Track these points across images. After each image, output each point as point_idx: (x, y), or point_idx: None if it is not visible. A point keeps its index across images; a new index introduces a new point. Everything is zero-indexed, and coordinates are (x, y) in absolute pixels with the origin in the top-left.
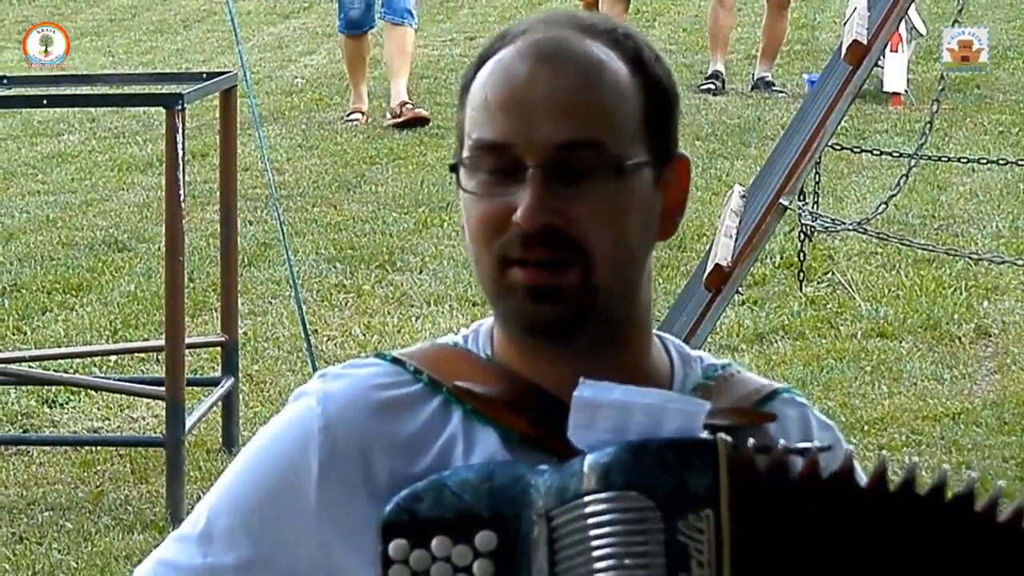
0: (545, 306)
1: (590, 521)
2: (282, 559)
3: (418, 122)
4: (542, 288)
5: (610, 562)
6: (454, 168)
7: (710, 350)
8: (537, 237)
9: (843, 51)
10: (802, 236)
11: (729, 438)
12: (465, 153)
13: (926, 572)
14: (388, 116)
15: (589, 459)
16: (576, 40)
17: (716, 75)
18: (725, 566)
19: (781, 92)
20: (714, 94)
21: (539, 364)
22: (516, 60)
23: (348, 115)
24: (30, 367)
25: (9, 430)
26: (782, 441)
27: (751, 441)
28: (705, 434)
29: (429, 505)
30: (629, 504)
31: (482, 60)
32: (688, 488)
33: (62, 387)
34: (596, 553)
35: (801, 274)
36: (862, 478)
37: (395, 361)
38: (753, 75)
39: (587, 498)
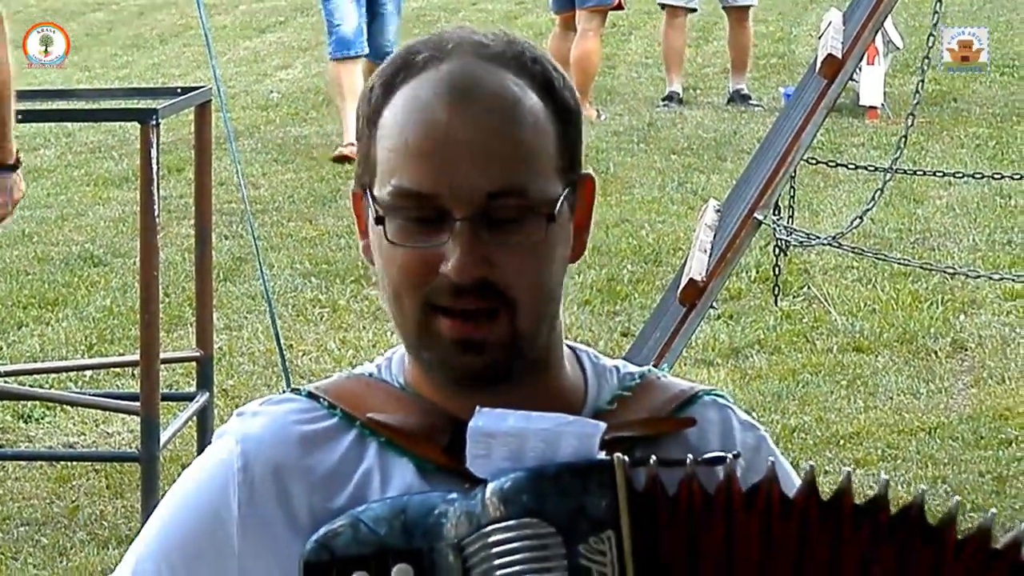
0: (471, 357)
1: (494, 550)
2: None
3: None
4: (468, 340)
5: None
6: (379, 221)
7: (685, 365)
8: (467, 288)
9: (818, 65)
10: (777, 250)
11: (625, 457)
12: (385, 198)
13: None
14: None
15: (490, 488)
16: (489, 75)
17: (672, 96)
18: None
19: (757, 105)
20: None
21: (451, 395)
22: (433, 101)
23: (338, 151)
24: (5, 382)
25: None
26: (690, 456)
27: (653, 458)
28: (603, 454)
29: (346, 542)
30: (530, 531)
31: (388, 88)
32: (587, 511)
33: (37, 402)
34: None
35: (776, 288)
36: (792, 487)
37: (310, 396)
38: (729, 88)
39: (489, 527)
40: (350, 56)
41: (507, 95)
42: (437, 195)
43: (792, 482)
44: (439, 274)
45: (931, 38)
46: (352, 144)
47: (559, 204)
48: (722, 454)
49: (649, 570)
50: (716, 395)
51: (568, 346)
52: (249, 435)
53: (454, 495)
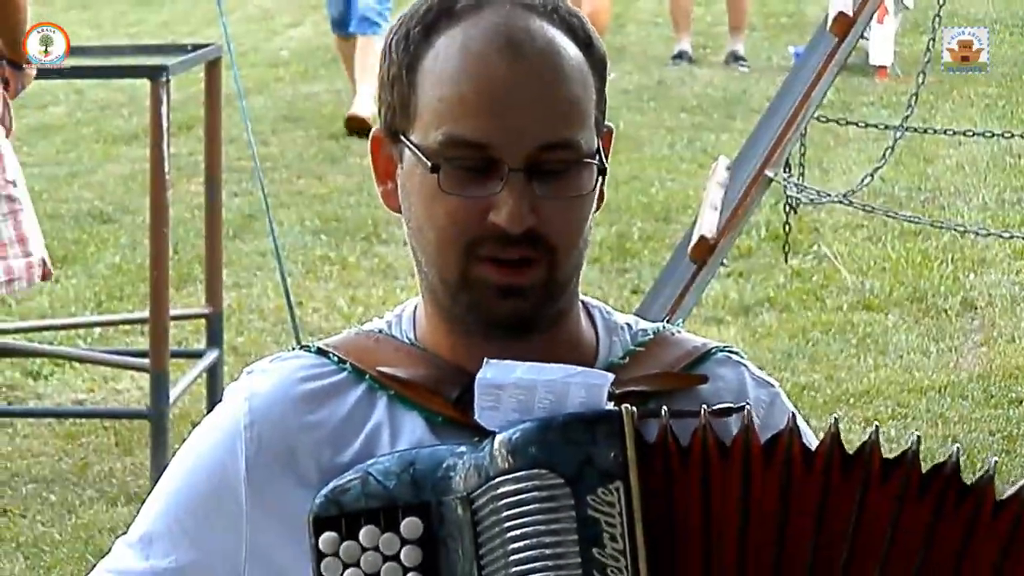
0: (511, 302)
1: (503, 502)
2: (221, 558)
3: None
4: (513, 287)
5: (526, 542)
6: (435, 169)
7: (695, 322)
8: (517, 238)
9: (829, 22)
10: (787, 208)
11: (634, 408)
12: (437, 145)
13: (858, 545)
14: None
15: (498, 439)
16: (538, 27)
17: (681, 54)
18: (638, 537)
19: (745, 67)
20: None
21: (468, 347)
22: (488, 52)
23: (352, 112)
24: (14, 339)
25: None
26: (704, 407)
27: (664, 409)
28: (611, 405)
29: (355, 496)
30: (538, 482)
31: (427, 33)
32: (595, 462)
33: (46, 359)
34: (512, 533)
35: (786, 246)
36: (810, 442)
37: (319, 352)
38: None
39: (498, 479)
40: (343, 35)
41: (558, 49)
42: (490, 145)
43: (809, 439)
44: (487, 222)
45: (940, 4)
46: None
47: (600, 157)
48: (735, 404)
49: (659, 521)
50: (730, 351)
51: (581, 301)
52: (257, 392)
53: (463, 448)
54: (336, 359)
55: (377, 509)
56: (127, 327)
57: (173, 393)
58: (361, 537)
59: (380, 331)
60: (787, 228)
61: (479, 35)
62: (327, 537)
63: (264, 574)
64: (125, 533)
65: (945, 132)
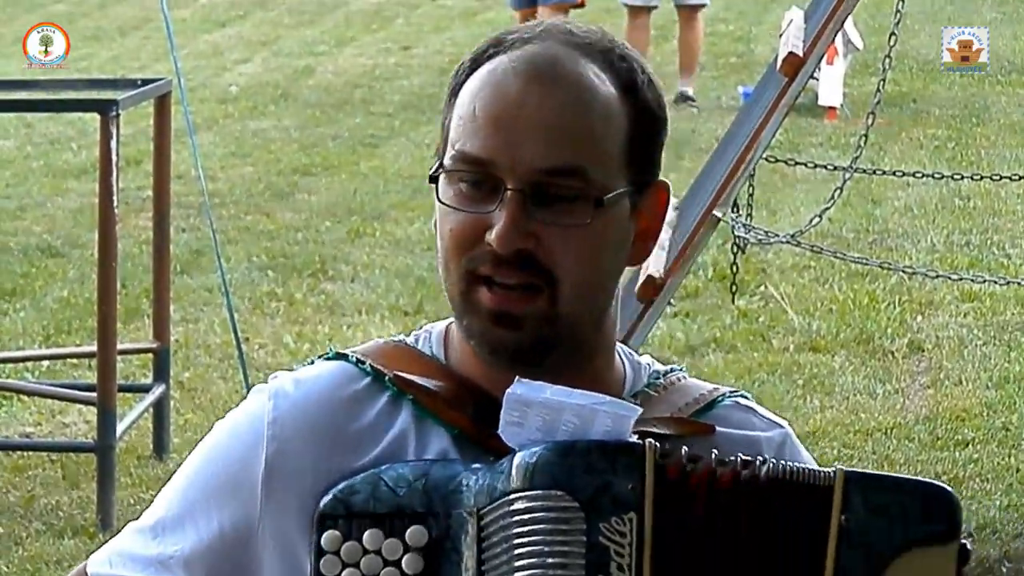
0: (506, 331)
1: (514, 519)
2: (230, 550)
3: None
4: (506, 314)
5: (531, 560)
6: (434, 179)
7: None
8: (508, 260)
9: (779, 62)
10: (735, 249)
11: (657, 443)
12: (447, 162)
13: None
14: None
15: (517, 457)
16: (570, 60)
17: None
18: (645, 570)
19: (694, 106)
20: None
21: (493, 373)
22: (509, 74)
23: None
24: None
25: None
26: (715, 452)
27: (684, 449)
28: (634, 438)
29: (364, 498)
30: (553, 503)
31: (475, 64)
32: (612, 490)
33: None
34: (519, 551)
35: (734, 287)
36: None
37: (340, 356)
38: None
39: (512, 495)
40: None
41: (583, 81)
42: (494, 163)
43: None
44: (484, 242)
45: (893, 37)
46: None
47: (614, 196)
48: (746, 457)
49: (667, 555)
50: (737, 397)
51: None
52: (282, 392)
53: (478, 465)
54: (355, 361)
55: (383, 514)
56: (75, 361)
57: (120, 427)
58: (364, 539)
59: (403, 342)
60: (734, 268)
61: (509, 61)
62: (330, 535)
63: (281, 567)
64: (90, 555)
65: (894, 173)
